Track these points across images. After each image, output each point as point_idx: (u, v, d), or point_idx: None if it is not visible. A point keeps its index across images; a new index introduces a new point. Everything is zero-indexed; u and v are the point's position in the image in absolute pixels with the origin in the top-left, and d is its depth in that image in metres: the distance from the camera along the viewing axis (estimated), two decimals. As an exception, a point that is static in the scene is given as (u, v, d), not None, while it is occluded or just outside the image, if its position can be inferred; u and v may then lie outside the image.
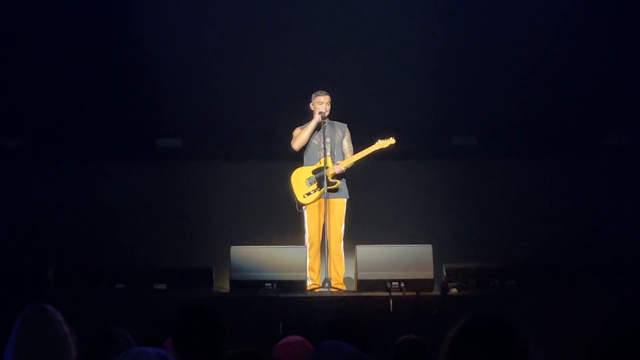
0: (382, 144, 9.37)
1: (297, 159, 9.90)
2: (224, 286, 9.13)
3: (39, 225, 10.84)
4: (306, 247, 9.27)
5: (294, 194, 9.44)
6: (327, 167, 9.35)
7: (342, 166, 9.36)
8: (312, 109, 9.48)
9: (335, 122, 9.55)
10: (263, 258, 8.95)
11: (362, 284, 8.84)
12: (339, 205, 9.39)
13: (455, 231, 10.78)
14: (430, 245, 9.02)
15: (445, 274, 8.98)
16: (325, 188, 9.28)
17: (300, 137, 9.46)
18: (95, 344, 3.86)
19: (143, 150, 11.24)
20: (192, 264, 9.90)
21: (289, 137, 9.56)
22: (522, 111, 11.12)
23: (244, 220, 10.93)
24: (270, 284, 8.71)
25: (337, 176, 9.40)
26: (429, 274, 8.79)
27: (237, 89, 11.06)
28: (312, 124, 9.41)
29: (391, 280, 8.66)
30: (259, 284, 8.70)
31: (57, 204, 10.95)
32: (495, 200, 11.09)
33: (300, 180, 9.45)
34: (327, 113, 9.39)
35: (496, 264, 9.47)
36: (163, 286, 8.87)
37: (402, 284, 8.60)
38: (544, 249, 10.64)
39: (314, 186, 9.41)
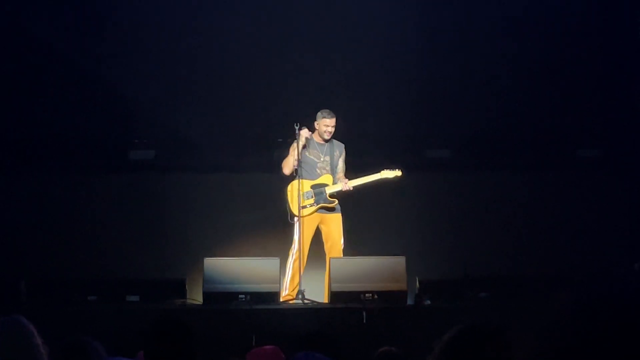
0: (387, 174, 9.45)
1: (272, 171, 9.90)
2: (197, 298, 9.10)
3: (11, 237, 10.77)
4: (292, 257, 9.29)
5: (289, 205, 9.42)
6: (326, 185, 9.43)
7: (350, 185, 9.39)
8: (317, 127, 9.50)
9: (334, 141, 9.60)
10: (236, 269, 8.93)
11: (335, 296, 8.82)
12: (336, 220, 9.48)
13: (429, 243, 10.81)
14: (404, 257, 9.03)
15: (418, 285, 8.99)
16: (321, 204, 9.38)
17: (288, 162, 9.45)
18: (67, 356, 3.84)
19: (116, 162, 11.20)
20: (165, 275, 9.87)
21: (261, 149, 9.57)
22: (495, 124, 11.18)
23: (217, 231, 10.91)
24: (243, 296, 8.69)
25: (334, 195, 9.46)
26: (402, 285, 8.79)
27: (210, 101, 11.04)
28: (298, 146, 9.34)
29: (364, 292, 8.67)
30: (232, 295, 8.68)
31: (30, 216, 10.88)
32: (469, 212, 11.13)
33: (297, 192, 9.40)
34: (309, 133, 9.36)
35: (469, 275, 9.49)
36: (136, 298, 8.82)
37: (376, 296, 8.61)
38: (517, 261, 10.68)
39: (311, 200, 9.43)
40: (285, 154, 9.62)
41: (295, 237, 9.36)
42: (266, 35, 11.04)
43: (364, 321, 8.24)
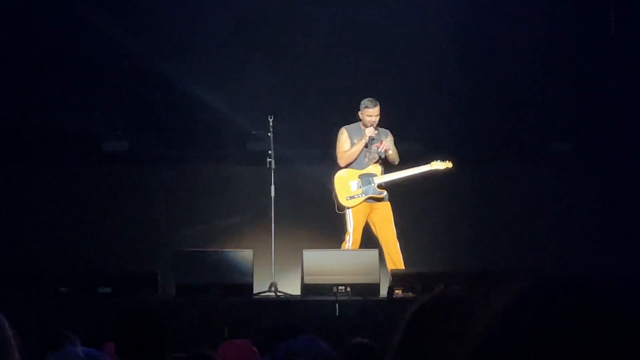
0: (437, 164, 9.33)
1: (246, 164, 9.88)
2: (170, 290, 9.08)
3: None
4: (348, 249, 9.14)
5: (336, 195, 9.25)
6: (375, 175, 9.25)
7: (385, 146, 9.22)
8: (361, 117, 9.28)
9: (381, 129, 9.37)
10: (209, 262, 8.91)
11: (308, 288, 8.83)
12: (386, 208, 9.28)
13: (402, 237, 10.82)
14: (376, 249, 9.06)
15: (391, 278, 9.02)
16: (370, 195, 9.19)
17: (349, 156, 9.25)
18: (43, 347, 3.82)
19: (89, 153, 11.13)
20: (138, 267, 9.83)
21: (238, 141, 9.52)
22: (467, 118, 11.21)
23: (191, 224, 10.87)
24: (216, 288, 8.67)
25: (382, 186, 9.28)
26: (375, 278, 8.82)
27: (184, 93, 11.00)
28: (361, 143, 9.20)
29: (337, 285, 8.68)
30: (205, 288, 8.66)
31: (1, 207, 10.81)
32: (441, 206, 11.15)
33: (345, 182, 9.26)
34: (374, 132, 9.18)
35: (442, 269, 9.53)
36: (107, 290, 8.78)
37: (348, 289, 8.62)
38: (490, 255, 10.72)
39: (359, 191, 9.24)
40: (259, 146, 9.61)
41: (349, 228, 9.20)
42: (245, 26, 11.02)
43: (337, 314, 8.26)
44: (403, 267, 9.18)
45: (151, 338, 4.02)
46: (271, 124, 9.39)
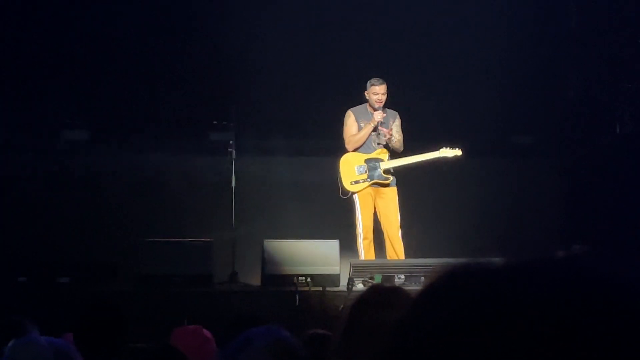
0: (446, 152, 9.13)
1: (208, 153, 9.85)
2: (130, 280, 9.04)
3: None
4: (360, 237, 8.97)
5: (341, 180, 9.05)
6: (381, 160, 9.04)
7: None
8: (367, 97, 9.02)
9: (388, 110, 9.11)
10: (170, 251, 8.88)
11: (268, 279, 8.84)
12: (392, 193, 9.07)
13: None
14: (337, 240, 9.08)
15: (351, 269, 9.04)
16: (375, 180, 8.99)
17: (357, 140, 9.03)
18: (4, 334, 3.80)
19: (48, 141, 11.04)
20: (98, 257, 9.77)
21: (199, 130, 9.47)
22: (428, 111, 11.23)
23: (151, 214, 10.82)
24: (177, 278, 8.65)
25: (389, 172, 9.08)
26: (335, 269, 8.85)
27: (145, 82, 10.95)
28: (369, 127, 8.98)
29: (297, 275, 8.69)
30: (166, 277, 8.64)
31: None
32: (404, 200, 11.16)
33: (350, 166, 9.06)
34: (383, 115, 8.95)
35: (402, 260, 9.55)
36: (66, 279, 8.74)
37: (309, 279, 8.64)
38: (453, 247, 10.75)
39: (364, 175, 9.01)
40: (221, 136, 9.60)
41: (357, 214, 9.02)
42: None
43: (297, 304, 8.28)
44: (403, 257, 9.02)
45: (110, 328, 4.01)
46: (233, 113, 9.36)
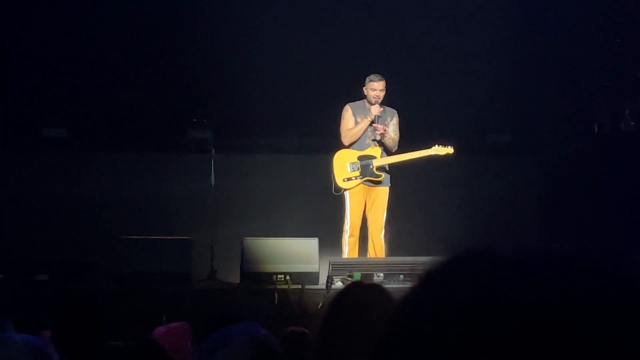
0: (438, 150, 9.04)
1: (187, 151, 9.82)
2: (109, 278, 9.02)
3: None
4: (346, 233, 8.93)
5: (333, 176, 8.98)
6: (374, 157, 8.96)
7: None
8: (366, 93, 8.94)
9: (387, 108, 9.05)
10: (148, 249, 8.86)
11: (247, 277, 8.84)
12: (382, 193, 9.01)
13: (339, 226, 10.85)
14: (316, 238, 9.08)
15: (330, 267, 9.05)
16: (367, 178, 8.92)
17: (353, 134, 8.94)
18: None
19: (28, 139, 10.99)
20: (76, 255, 9.74)
21: (178, 128, 9.44)
22: (411, 109, 11.24)
23: (129, 212, 10.79)
24: (155, 276, 8.63)
25: (382, 169, 9.03)
26: (314, 267, 8.86)
27: (124, 79, 10.91)
28: (366, 122, 8.90)
29: (276, 273, 8.69)
30: (144, 275, 8.62)
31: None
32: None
33: (343, 163, 8.98)
34: (380, 110, 8.86)
35: (381, 258, 9.56)
36: (45, 277, 8.71)
37: (288, 277, 8.64)
38: (431, 245, 10.77)
39: (357, 172, 8.93)
40: (200, 134, 9.58)
41: (347, 211, 8.98)
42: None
43: (276, 302, 8.29)
44: (383, 256, 8.99)
45: (88, 326, 4.00)
46: (212, 111, 9.35)
